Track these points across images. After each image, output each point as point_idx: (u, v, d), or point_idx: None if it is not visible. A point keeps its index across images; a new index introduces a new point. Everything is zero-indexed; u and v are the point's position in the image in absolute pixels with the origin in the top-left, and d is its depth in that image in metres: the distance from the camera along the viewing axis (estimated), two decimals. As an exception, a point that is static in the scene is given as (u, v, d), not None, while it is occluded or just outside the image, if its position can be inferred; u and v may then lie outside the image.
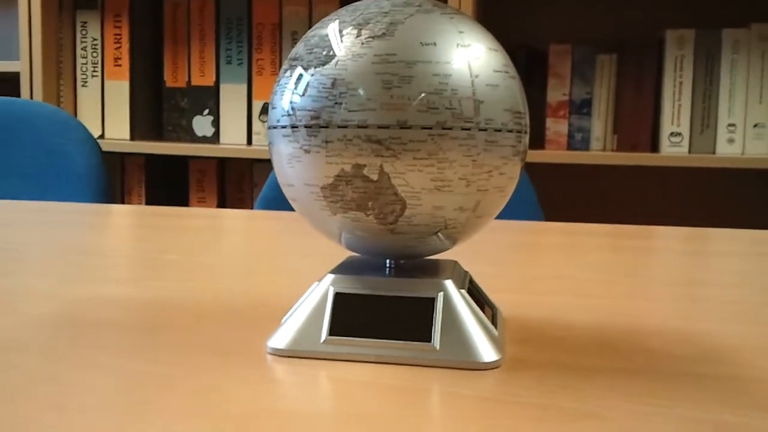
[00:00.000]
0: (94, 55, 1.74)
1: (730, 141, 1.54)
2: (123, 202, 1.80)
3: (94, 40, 1.74)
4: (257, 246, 0.72)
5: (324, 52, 0.36)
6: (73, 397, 0.32)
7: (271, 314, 0.46)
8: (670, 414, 0.31)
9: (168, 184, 1.88)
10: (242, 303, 0.49)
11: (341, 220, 0.37)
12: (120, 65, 1.73)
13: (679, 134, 1.56)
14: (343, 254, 0.68)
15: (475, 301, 0.39)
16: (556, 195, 1.80)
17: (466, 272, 0.43)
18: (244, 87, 1.71)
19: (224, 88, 1.72)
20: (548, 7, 1.76)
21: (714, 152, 1.55)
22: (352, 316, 0.37)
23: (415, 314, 0.37)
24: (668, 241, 0.81)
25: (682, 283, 0.58)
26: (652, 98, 1.59)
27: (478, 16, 1.61)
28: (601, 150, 1.61)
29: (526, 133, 0.38)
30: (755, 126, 1.53)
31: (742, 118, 1.54)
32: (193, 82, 1.74)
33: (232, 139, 1.73)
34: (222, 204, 1.81)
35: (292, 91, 0.37)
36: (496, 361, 0.36)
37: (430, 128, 0.35)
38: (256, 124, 1.72)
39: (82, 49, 1.75)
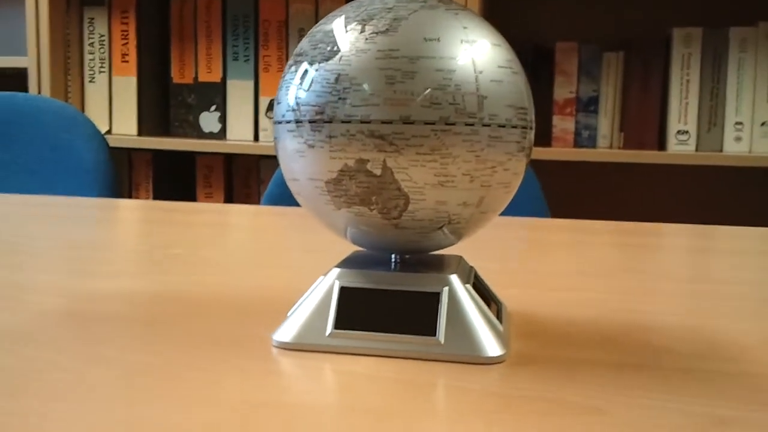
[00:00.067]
0: (102, 51, 1.75)
1: (738, 139, 1.54)
2: (130, 198, 1.81)
3: (102, 36, 1.75)
4: (263, 241, 0.72)
5: (328, 48, 0.36)
6: (77, 388, 0.32)
7: (277, 308, 0.46)
8: (672, 408, 0.31)
9: (175, 179, 1.88)
10: (247, 297, 0.49)
11: (345, 214, 0.37)
12: (127, 61, 1.74)
13: (686, 132, 1.55)
14: (349, 249, 0.68)
15: (480, 296, 0.39)
16: (563, 192, 1.80)
17: (471, 267, 0.43)
18: (250, 83, 1.72)
19: (231, 85, 1.73)
20: (555, 4, 1.75)
21: (721, 150, 1.55)
22: (357, 310, 0.38)
23: (420, 309, 0.37)
24: (674, 238, 0.81)
25: (687, 279, 0.58)
26: (659, 96, 1.58)
27: (485, 13, 1.61)
28: (607, 148, 1.61)
29: (531, 128, 0.38)
30: (762, 124, 1.53)
31: (749, 117, 1.53)
32: (200, 79, 1.74)
33: (239, 135, 1.73)
34: (229, 199, 1.82)
35: (297, 86, 0.37)
36: (501, 355, 0.36)
37: (434, 123, 0.35)
38: (263, 121, 1.72)
39: (89, 45, 1.75)
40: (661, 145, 1.61)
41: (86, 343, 0.38)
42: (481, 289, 0.41)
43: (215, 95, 1.74)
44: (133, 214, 0.90)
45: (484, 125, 0.36)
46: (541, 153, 1.54)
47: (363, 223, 0.37)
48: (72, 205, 0.96)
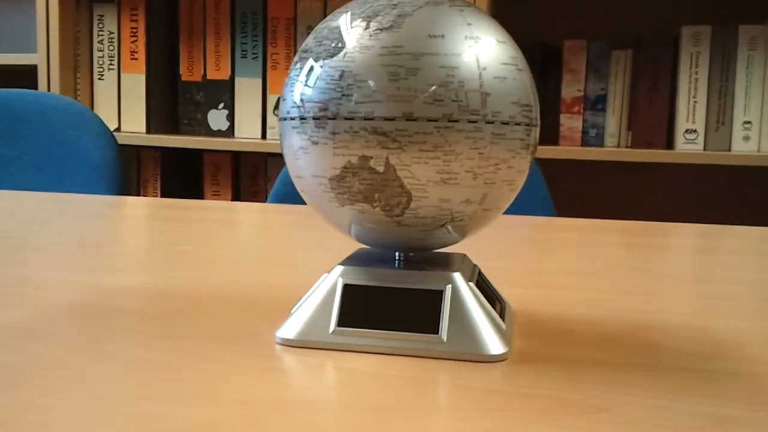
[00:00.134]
0: (111, 48, 1.75)
1: (746, 138, 1.53)
2: (139, 195, 1.81)
3: (111, 33, 1.75)
4: (269, 238, 0.72)
5: (333, 44, 0.36)
6: (80, 383, 0.32)
7: (281, 305, 0.46)
8: (674, 408, 0.31)
9: (183, 177, 1.89)
10: (252, 294, 0.49)
11: (349, 211, 0.37)
12: (136, 59, 1.74)
13: (695, 131, 1.55)
14: (354, 247, 0.68)
15: (484, 294, 0.39)
16: (570, 191, 1.80)
17: (475, 265, 0.43)
18: (258, 81, 1.72)
19: (239, 82, 1.73)
20: (563, 2, 1.75)
21: (729, 149, 1.54)
22: (360, 308, 0.38)
23: (423, 306, 0.37)
24: (681, 238, 0.81)
25: (693, 279, 0.58)
26: (667, 95, 1.58)
27: (493, 11, 1.61)
28: (615, 146, 1.60)
29: (535, 126, 0.38)
30: (772, 123, 1.52)
31: (757, 116, 1.53)
32: (209, 76, 1.74)
33: (247, 133, 1.73)
34: (236, 197, 1.82)
35: (302, 83, 0.37)
36: (504, 353, 0.36)
37: (436, 120, 0.35)
38: (271, 118, 1.72)
39: (99, 42, 1.76)
40: (669, 144, 1.60)
41: (91, 338, 0.39)
42: (484, 288, 0.41)
43: (223, 93, 1.74)
44: (140, 212, 0.91)
45: (488, 122, 0.35)
46: (549, 152, 1.54)
47: (366, 220, 0.37)
48: (79, 202, 0.97)
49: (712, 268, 0.64)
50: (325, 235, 0.75)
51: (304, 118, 0.37)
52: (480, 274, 0.42)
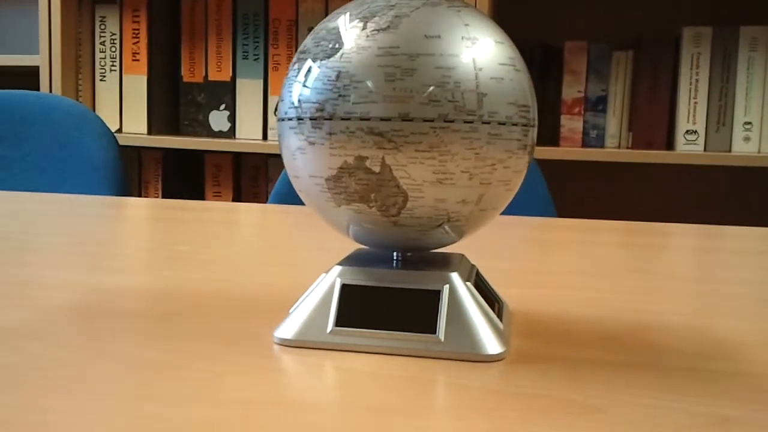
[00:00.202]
0: (113, 49, 1.76)
1: (746, 139, 1.53)
2: (140, 196, 1.82)
3: (113, 34, 1.76)
4: (268, 239, 0.73)
5: (330, 45, 0.36)
6: (79, 384, 0.32)
7: (280, 305, 0.46)
8: (674, 408, 0.31)
9: (184, 178, 1.89)
10: (252, 294, 0.49)
11: (346, 211, 0.38)
12: (138, 60, 1.75)
13: (695, 132, 1.55)
14: (353, 247, 0.68)
15: (481, 294, 0.39)
16: (571, 192, 1.80)
17: (473, 266, 0.43)
18: (260, 82, 1.72)
19: (240, 84, 1.73)
20: (564, 3, 1.75)
21: (730, 150, 1.54)
22: (358, 308, 0.38)
23: (420, 306, 0.37)
24: (681, 238, 0.81)
25: (693, 279, 0.58)
26: (667, 96, 1.58)
27: (494, 12, 1.61)
28: (615, 147, 1.60)
29: (533, 126, 0.38)
30: (773, 124, 1.52)
31: (758, 117, 1.53)
32: (210, 77, 1.75)
33: (248, 134, 1.74)
34: (237, 198, 1.82)
35: (299, 83, 0.37)
36: (501, 353, 0.37)
37: (432, 121, 0.35)
38: (272, 120, 1.73)
39: (100, 43, 1.76)
40: (670, 144, 1.60)
41: (91, 338, 0.39)
42: (482, 288, 0.41)
43: (225, 94, 1.74)
44: (141, 212, 0.91)
45: (484, 123, 0.36)
46: (549, 153, 1.54)
47: (363, 220, 0.38)
48: (80, 202, 0.97)
49: (713, 268, 0.64)
50: (324, 235, 0.75)
51: (302, 119, 0.37)
52: (478, 274, 0.42)
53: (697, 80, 1.54)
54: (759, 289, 0.55)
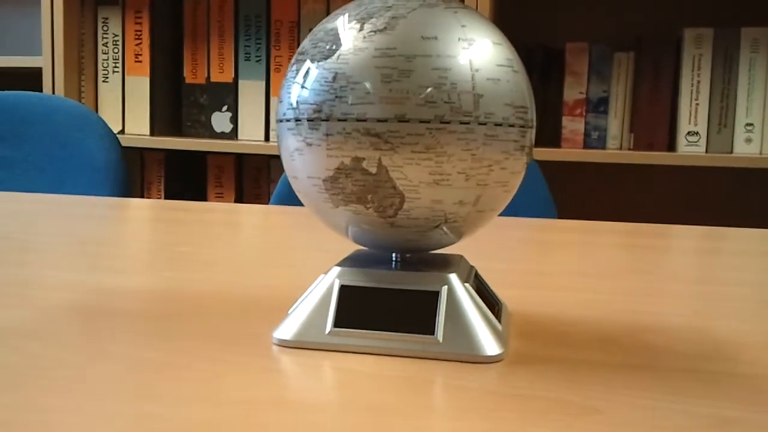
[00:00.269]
0: (115, 50, 1.76)
1: (748, 141, 1.53)
2: (143, 197, 1.82)
3: (115, 36, 1.76)
4: (269, 240, 0.73)
5: (327, 47, 0.37)
6: (79, 384, 0.33)
7: (279, 306, 0.47)
8: (673, 409, 0.31)
9: (187, 179, 1.89)
10: (252, 295, 0.49)
11: (343, 212, 0.38)
12: (140, 61, 1.75)
13: (697, 133, 1.55)
14: (352, 248, 0.68)
15: (480, 296, 0.39)
16: (572, 194, 1.80)
17: (472, 267, 0.43)
18: (262, 84, 1.72)
19: (243, 85, 1.73)
20: (565, 4, 1.75)
21: (731, 152, 1.54)
22: (356, 309, 0.38)
23: (419, 307, 0.37)
24: (683, 240, 0.81)
25: (693, 281, 0.58)
26: (669, 97, 1.58)
27: (495, 13, 1.61)
28: (617, 149, 1.60)
29: (531, 127, 0.38)
30: (775, 125, 1.52)
31: (759, 118, 1.52)
32: (212, 79, 1.75)
33: (250, 135, 1.74)
34: (239, 199, 1.83)
35: (297, 84, 0.37)
36: (499, 354, 0.37)
37: (429, 122, 0.35)
38: (274, 121, 1.73)
39: (103, 44, 1.77)
40: (671, 146, 1.60)
41: (91, 339, 0.39)
42: (481, 289, 0.41)
43: (227, 95, 1.74)
44: (143, 213, 0.91)
45: (480, 124, 0.36)
46: (551, 154, 1.54)
47: (361, 221, 0.38)
48: (82, 203, 0.97)
49: (714, 269, 0.64)
50: (325, 236, 0.75)
51: (299, 120, 0.37)
52: (477, 275, 0.43)
53: (698, 81, 1.54)
54: (760, 290, 0.55)
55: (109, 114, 1.78)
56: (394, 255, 0.41)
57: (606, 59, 1.60)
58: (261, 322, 0.43)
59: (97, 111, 1.78)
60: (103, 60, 1.77)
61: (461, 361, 0.36)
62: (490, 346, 0.37)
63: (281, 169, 1.79)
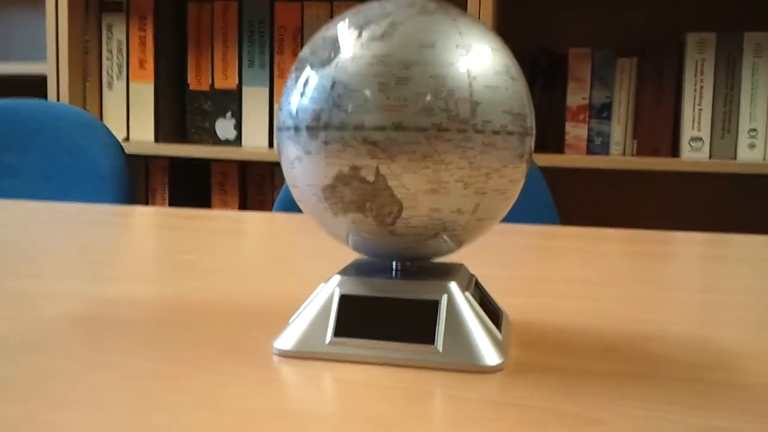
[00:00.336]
0: (120, 57, 1.77)
1: (751, 146, 1.53)
2: (147, 204, 1.82)
3: (120, 42, 1.76)
4: (272, 247, 0.73)
5: (326, 54, 0.36)
6: (81, 394, 0.33)
7: (280, 315, 0.47)
8: (671, 419, 0.31)
9: (191, 186, 1.89)
10: (254, 304, 0.49)
11: (342, 221, 0.38)
12: (145, 68, 1.75)
13: (700, 139, 1.54)
14: (354, 256, 0.68)
15: (480, 304, 0.39)
16: (575, 200, 1.80)
17: (472, 275, 0.43)
18: (266, 90, 1.72)
19: (246, 92, 1.74)
20: (568, 10, 1.75)
21: (735, 157, 1.54)
22: (357, 318, 0.38)
23: (419, 317, 0.37)
24: (686, 246, 0.80)
25: (696, 289, 0.58)
26: (672, 102, 1.57)
27: (498, 19, 1.61)
28: (620, 154, 1.60)
29: (530, 135, 0.38)
30: (779, 131, 1.52)
31: (763, 123, 1.52)
32: (216, 86, 1.75)
33: (254, 142, 1.74)
34: (243, 206, 1.83)
35: (297, 92, 0.37)
36: (499, 364, 0.36)
37: (426, 130, 0.35)
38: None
39: (107, 51, 1.77)
40: (675, 151, 1.60)
41: (93, 348, 0.39)
42: (481, 297, 0.41)
43: (231, 102, 1.75)
44: (147, 221, 0.91)
45: (478, 131, 0.35)
46: (554, 160, 1.54)
47: (360, 230, 0.38)
48: (86, 211, 0.97)
49: (717, 277, 0.63)
50: (327, 243, 0.75)
51: (299, 128, 0.37)
52: (477, 283, 0.42)
53: (701, 87, 1.54)
54: (764, 298, 0.55)
55: (114, 121, 1.78)
56: (394, 263, 0.41)
57: (609, 65, 1.60)
58: (262, 331, 0.43)
59: (101, 117, 1.78)
60: (108, 66, 1.77)
61: (461, 371, 0.36)
62: (490, 355, 0.36)
63: (285, 176, 1.79)
